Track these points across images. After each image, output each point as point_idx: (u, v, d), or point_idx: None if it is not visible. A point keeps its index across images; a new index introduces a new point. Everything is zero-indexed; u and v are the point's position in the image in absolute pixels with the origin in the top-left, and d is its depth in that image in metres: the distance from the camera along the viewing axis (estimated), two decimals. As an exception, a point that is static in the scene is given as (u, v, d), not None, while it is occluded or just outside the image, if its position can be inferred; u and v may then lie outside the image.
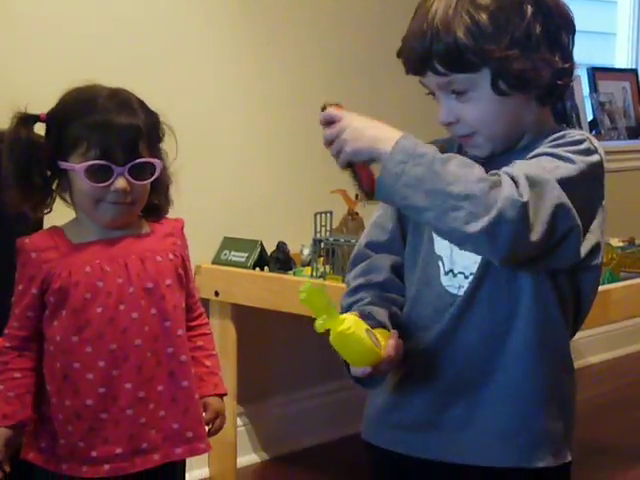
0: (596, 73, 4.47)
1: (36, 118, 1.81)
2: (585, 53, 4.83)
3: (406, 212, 1.40)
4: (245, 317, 2.95)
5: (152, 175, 1.78)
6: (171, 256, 1.84)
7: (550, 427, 1.47)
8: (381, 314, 1.49)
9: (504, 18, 1.41)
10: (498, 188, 1.30)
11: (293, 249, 2.89)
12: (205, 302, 2.47)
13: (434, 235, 1.48)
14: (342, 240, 2.64)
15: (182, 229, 1.91)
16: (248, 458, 3.15)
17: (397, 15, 1.59)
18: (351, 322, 1.36)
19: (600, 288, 2.62)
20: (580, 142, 1.41)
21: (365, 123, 1.36)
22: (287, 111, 3.19)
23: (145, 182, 1.78)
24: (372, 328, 1.41)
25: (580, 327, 1.54)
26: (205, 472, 2.96)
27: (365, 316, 1.44)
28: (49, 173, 1.80)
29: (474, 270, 1.44)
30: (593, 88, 4.45)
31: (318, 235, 2.72)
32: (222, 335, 2.87)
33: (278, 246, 2.88)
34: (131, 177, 1.75)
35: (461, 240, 1.33)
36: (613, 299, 2.70)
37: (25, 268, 1.79)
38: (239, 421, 3.08)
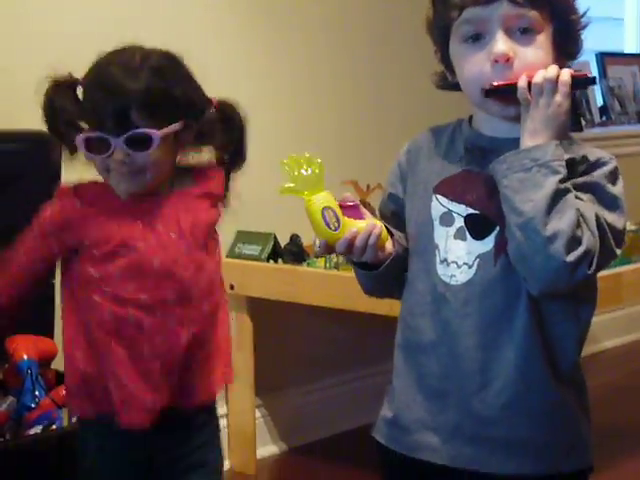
0: (605, 58, 4.47)
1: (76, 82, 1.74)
2: (594, 39, 4.85)
3: (502, 198, 1.38)
4: (260, 309, 2.97)
5: (149, 146, 1.67)
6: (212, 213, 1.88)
7: (561, 433, 1.43)
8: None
9: None
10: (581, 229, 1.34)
11: (306, 241, 2.91)
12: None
13: (435, 223, 1.46)
14: (355, 230, 2.64)
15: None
16: (267, 449, 3.17)
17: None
18: (317, 197, 1.41)
19: (612, 271, 2.65)
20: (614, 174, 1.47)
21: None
22: (295, 103, 3.21)
23: (145, 152, 1.67)
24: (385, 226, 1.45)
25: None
26: (225, 464, 2.97)
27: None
28: None
29: (467, 260, 1.43)
30: (602, 73, 4.45)
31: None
32: (239, 328, 2.89)
33: (291, 238, 2.89)
34: (129, 148, 1.66)
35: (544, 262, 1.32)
36: (625, 282, 2.71)
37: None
38: (257, 412, 3.10)
